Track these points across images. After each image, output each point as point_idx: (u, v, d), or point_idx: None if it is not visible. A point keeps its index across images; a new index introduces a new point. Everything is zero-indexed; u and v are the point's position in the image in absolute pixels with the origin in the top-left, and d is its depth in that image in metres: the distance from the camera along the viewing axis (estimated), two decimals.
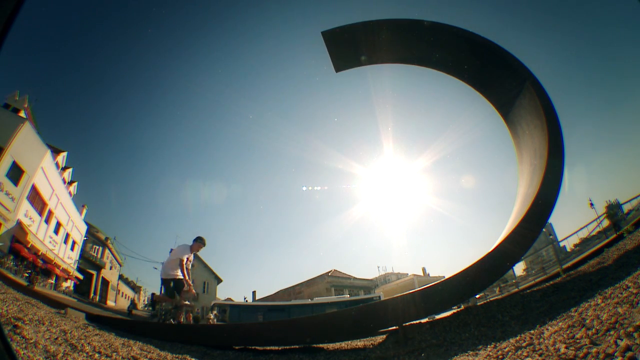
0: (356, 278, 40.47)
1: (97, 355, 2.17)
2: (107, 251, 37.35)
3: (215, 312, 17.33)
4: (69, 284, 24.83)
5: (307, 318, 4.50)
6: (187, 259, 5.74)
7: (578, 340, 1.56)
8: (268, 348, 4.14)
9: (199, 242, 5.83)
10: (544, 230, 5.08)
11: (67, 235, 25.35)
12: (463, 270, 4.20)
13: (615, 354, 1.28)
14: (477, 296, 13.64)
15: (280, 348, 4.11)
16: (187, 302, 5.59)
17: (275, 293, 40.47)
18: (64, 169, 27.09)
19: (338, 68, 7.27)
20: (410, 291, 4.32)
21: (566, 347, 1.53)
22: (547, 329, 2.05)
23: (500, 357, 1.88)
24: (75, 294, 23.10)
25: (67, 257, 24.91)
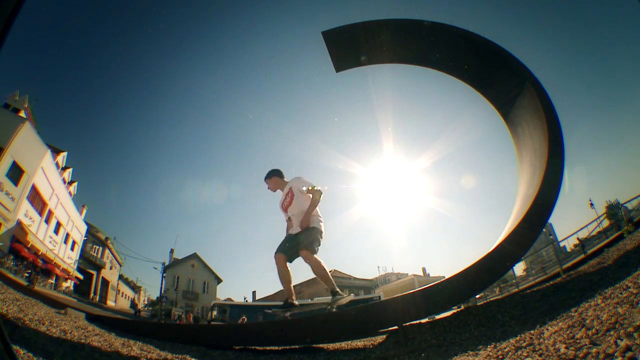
0: (356, 278, 40.50)
1: (97, 355, 2.17)
2: (107, 251, 37.38)
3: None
4: (69, 284, 24.84)
5: (307, 318, 4.51)
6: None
7: (578, 340, 1.56)
8: (268, 348, 4.14)
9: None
10: (544, 230, 5.09)
11: (67, 235, 25.37)
12: (463, 270, 4.20)
13: (615, 354, 1.28)
14: (477, 296, 13.69)
15: (280, 348, 4.11)
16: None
17: (275, 293, 40.47)
18: (64, 169, 27.09)
19: (338, 68, 7.28)
20: (410, 291, 4.31)
21: (566, 347, 1.53)
22: (547, 329, 2.05)
23: (500, 357, 1.88)
24: (75, 294, 23.10)
25: (67, 257, 24.92)
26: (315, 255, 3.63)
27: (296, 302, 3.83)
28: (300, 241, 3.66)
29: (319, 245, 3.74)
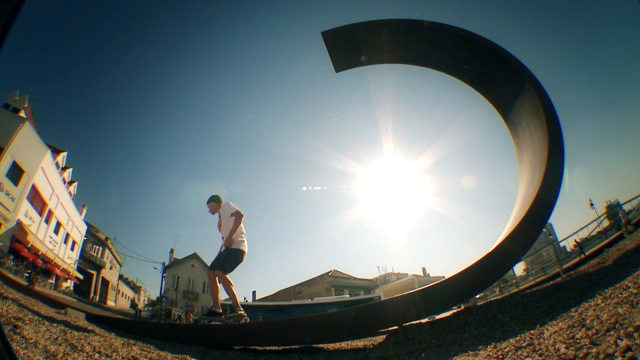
0: (356, 278, 40.47)
1: (97, 355, 2.17)
2: (107, 251, 37.36)
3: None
4: (69, 284, 24.83)
5: (307, 318, 4.52)
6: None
7: (578, 340, 1.56)
8: (268, 348, 4.14)
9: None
10: (544, 230, 5.09)
11: (67, 235, 25.36)
12: (463, 270, 4.20)
13: (615, 354, 1.28)
14: (477, 296, 13.69)
15: (280, 348, 4.11)
16: None
17: (275, 293, 40.48)
18: (64, 169, 27.09)
19: (338, 68, 7.28)
20: (410, 291, 4.32)
21: (566, 347, 1.53)
22: (547, 329, 2.05)
23: (500, 357, 1.88)
24: (75, 294, 23.11)
25: (67, 257, 24.91)
26: (225, 275, 4.18)
27: (219, 311, 4.29)
28: (217, 261, 4.27)
29: (237, 264, 4.31)
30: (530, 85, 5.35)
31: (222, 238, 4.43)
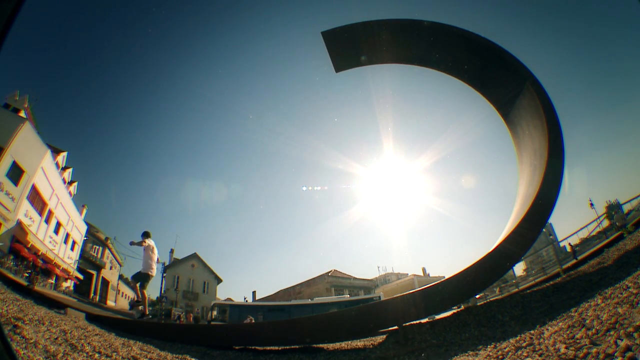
0: (356, 278, 40.46)
1: (97, 355, 2.17)
2: (107, 251, 37.33)
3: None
4: (69, 284, 24.81)
5: (307, 318, 4.53)
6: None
7: (578, 340, 1.56)
8: (268, 348, 4.14)
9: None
10: (544, 230, 5.09)
11: (67, 235, 25.34)
12: (463, 270, 4.20)
13: (615, 354, 1.28)
14: (477, 296, 13.69)
15: (280, 348, 4.11)
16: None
17: (275, 293, 40.49)
18: (64, 169, 27.08)
19: (338, 68, 7.28)
20: (410, 291, 4.32)
21: (566, 347, 1.53)
22: (547, 329, 2.05)
23: (500, 357, 1.88)
24: (75, 294, 23.08)
25: (67, 257, 24.90)
26: (137, 285, 6.47)
27: (147, 314, 6.53)
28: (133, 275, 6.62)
29: (146, 282, 6.47)
30: (530, 85, 5.35)
31: None
